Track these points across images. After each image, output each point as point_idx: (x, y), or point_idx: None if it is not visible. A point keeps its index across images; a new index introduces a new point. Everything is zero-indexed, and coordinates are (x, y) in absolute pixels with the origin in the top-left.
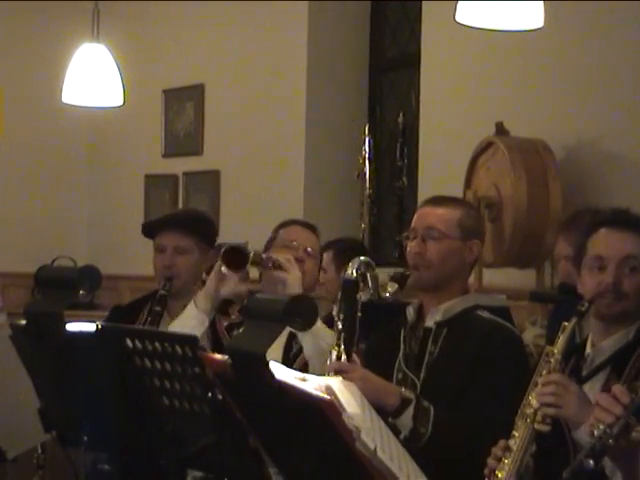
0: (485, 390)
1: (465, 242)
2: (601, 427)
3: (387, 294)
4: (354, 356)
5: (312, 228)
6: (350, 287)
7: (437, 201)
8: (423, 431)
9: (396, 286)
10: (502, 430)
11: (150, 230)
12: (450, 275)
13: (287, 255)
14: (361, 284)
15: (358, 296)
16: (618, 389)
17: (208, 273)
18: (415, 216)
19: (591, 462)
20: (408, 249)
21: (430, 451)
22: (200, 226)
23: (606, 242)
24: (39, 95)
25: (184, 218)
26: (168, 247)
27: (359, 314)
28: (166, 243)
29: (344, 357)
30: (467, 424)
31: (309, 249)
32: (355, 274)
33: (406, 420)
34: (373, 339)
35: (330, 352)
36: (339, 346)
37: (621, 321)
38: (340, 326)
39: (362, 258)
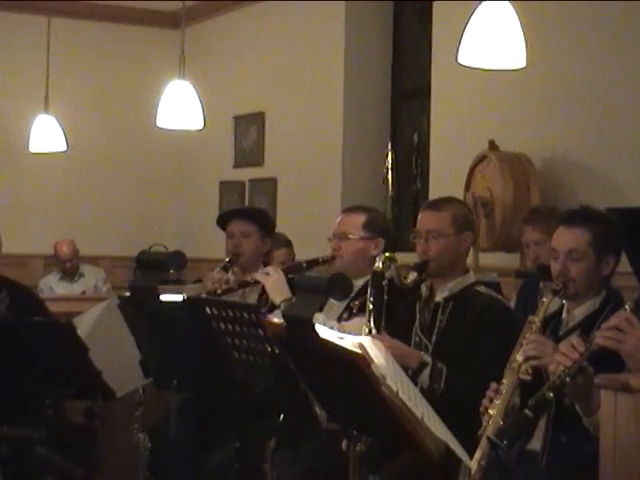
0: (484, 350)
1: (459, 236)
2: (560, 368)
3: (408, 280)
4: (383, 330)
5: (350, 210)
6: (378, 277)
7: (433, 205)
8: (437, 387)
9: (415, 274)
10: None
11: (222, 221)
12: (450, 263)
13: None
14: (386, 274)
15: (384, 284)
16: (576, 340)
17: (265, 260)
18: (418, 219)
19: (551, 394)
20: (417, 247)
21: (443, 402)
22: (260, 217)
23: (558, 238)
24: (138, 120)
25: (247, 210)
26: (236, 232)
27: (385, 297)
28: (234, 229)
29: (374, 331)
30: (470, 380)
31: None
32: (382, 267)
33: (424, 378)
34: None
35: (363, 327)
36: (370, 322)
37: (583, 294)
38: (370, 307)
39: (387, 254)
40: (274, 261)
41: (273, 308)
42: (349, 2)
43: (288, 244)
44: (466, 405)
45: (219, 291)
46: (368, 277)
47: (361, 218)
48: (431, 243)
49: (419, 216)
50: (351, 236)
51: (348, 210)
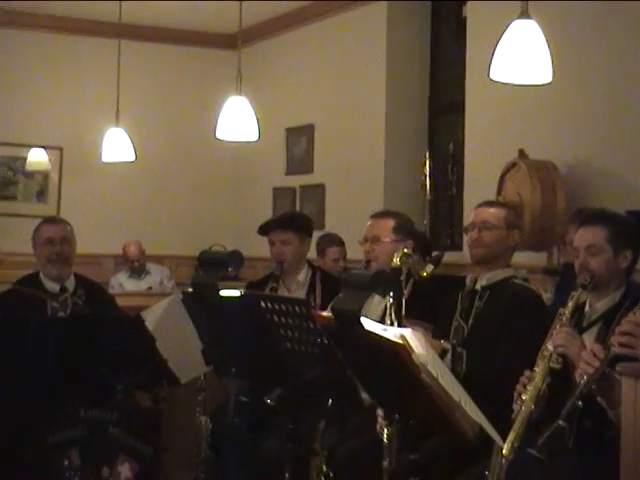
0: (513, 333)
1: (508, 232)
2: (585, 377)
3: (425, 273)
4: (404, 321)
5: (380, 215)
6: (396, 272)
7: (489, 203)
8: (459, 370)
9: (432, 267)
10: (525, 364)
11: (263, 231)
12: (497, 254)
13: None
14: (403, 269)
15: (402, 278)
16: (596, 347)
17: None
18: (473, 214)
19: (580, 403)
20: (468, 237)
21: (465, 383)
22: (295, 222)
23: (578, 237)
24: (199, 132)
25: (282, 219)
26: (276, 241)
27: (404, 291)
28: (274, 239)
29: (395, 323)
30: (493, 361)
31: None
32: (399, 262)
33: (446, 363)
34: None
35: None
36: (390, 315)
37: (605, 288)
38: (390, 300)
39: (405, 250)
40: (327, 257)
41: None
42: (390, 25)
43: (341, 243)
44: (489, 385)
45: None
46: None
47: (391, 222)
48: (484, 233)
49: (474, 212)
50: (383, 239)
51: (377, 215)
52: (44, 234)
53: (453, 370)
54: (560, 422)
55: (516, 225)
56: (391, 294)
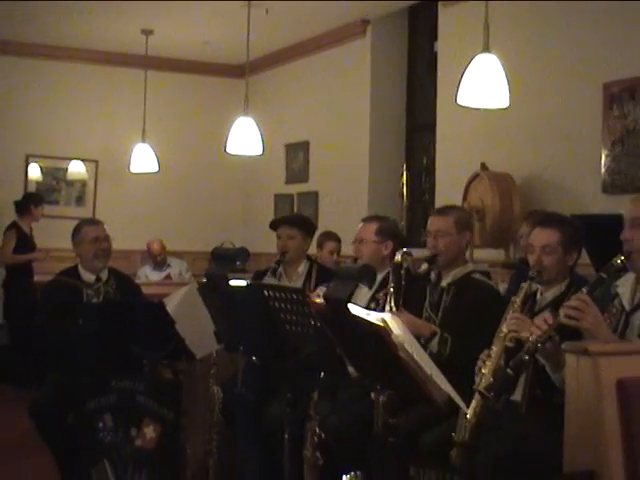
0: (477, 324)
1: (460, 235)
2: (534, 336)
3: (420, 270)
4: (401, 308)
5: (366, 220)
6: (397, 267)
7: (440, 211)
8: (444, 352)
9: (426, 264)
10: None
11: (273, 226)
12: (453, 256)
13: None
14: (404, 265)
15: (402, 273)
16: (547, 314)
17: (319, 246)
18: (429, 222)
19: (527, 357)
20: (427, 243)
21: (448, 364)
22: (301, 222)
23: (534, 236)
24: (213, 148)
25: (291, 218)
26: (283, 235)
27: (403, 283)
28: (281, 233)
29: (394, 309)
30: (468, 347)
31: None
32: (400, 259)
33: (433, 345)
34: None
35: (384, 307)
36: (391, 302)
37: (553, 280)
38: (392, 290)
39: (405, 250)
40: (324, 250)
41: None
42: (374, 58)
43: (337, 239)
44: (466, 366)
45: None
46: (385, 272)
47: (374, 226)
48: (439, 240)
49: (429, 220)
50: (366, 241)
51: (365, 219)
52: (90, 234)
53: (439, 352)
54: (508, 370)
55: (467, 227)
56: (392, 285)
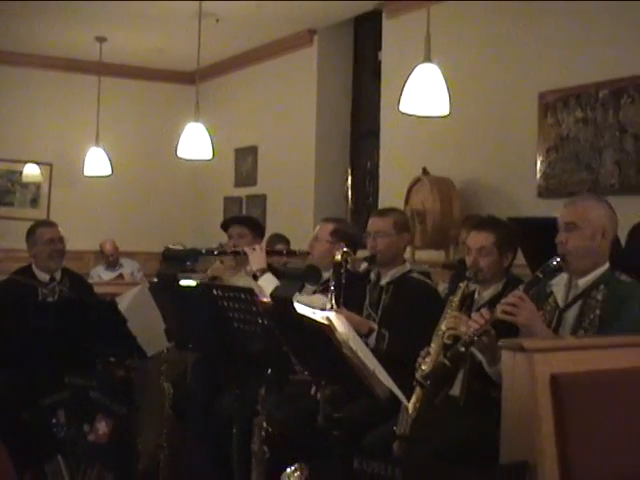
0: (416, 321)
1: (398, 236)
2: (471, 330)
3: (361, 268)
4: (341, 305)
5: (325, 220)
6: (337, 267)
7: (379, 213)
8: (381, 347)
9: (366, 264)
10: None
11: (224, 225)
12: (392, 256)
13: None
14: (344, 263)
15: (342, 271)
16: (483, 310)
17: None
18: (368, 223)
19: (463, 349)
20: (367, 244)
21: (385, 359)
22: (251, 223)
23: (471, 238)
24: (164, 152)
25: (242, 218)
26: (234, 234)
27: (343, 281)
28: (232, 232)
29: (335, 306)
30: (406, 343)
31: (318, 236)
32: (340, 258)
33: (371, 341)
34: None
35: (325, 304)
36: (331, 300)
37: (489, 280)
38: (332, 288)
39: (345, 249)
40: None
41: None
42: (320, 66)
43: (286, 241)
44: (404, 361)
45: (215, 252)
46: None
47: (330, 227)
48: (378, 240)
49: (369, 221)
50: (321, 240)
51: (325, 219)
52: (45, 235)
53: (376, 347)
54: (445, 361)
55: (405, 228)
56: (332, 283)
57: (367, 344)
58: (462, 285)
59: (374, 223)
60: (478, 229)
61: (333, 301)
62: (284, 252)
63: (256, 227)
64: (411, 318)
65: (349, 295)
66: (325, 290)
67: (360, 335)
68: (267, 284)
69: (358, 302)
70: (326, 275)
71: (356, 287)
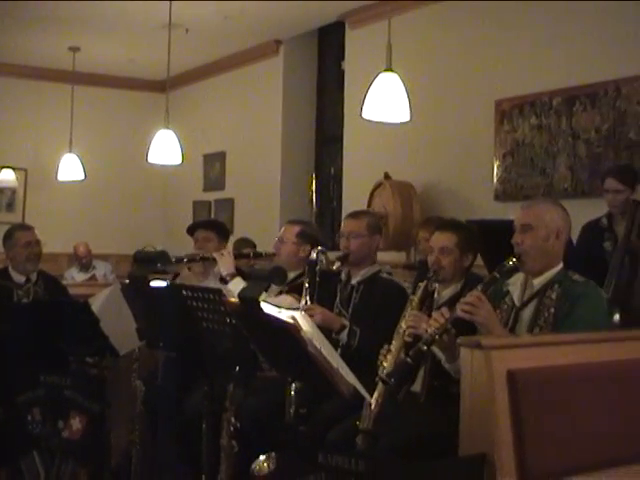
0: (386, 319)
1: (371, 237)
2: (432, 329)
3: (334, 267)
4: (315, 302)
5: (291, 222)
6: (312, 265)
7: (354, 215)
8: (353, 343)
9: (339, 263)
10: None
11: (190, 230)
12: (364, 256)
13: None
14: (319, 262)
15: (317, 270)
16: (443, 309)
17: (235, 251)
18: (342, 224)
19: (425, 347)
20: (341, 244)
21: (356, 354)
22: (216, 226)
23: (433, 239)
24: (135, 158)
25: (207, 222)
26: (200, 238)
27: (317, 279)
28: (198, 236)
29: (309, 303)
30: (376, 339)
31: (284, 238)
32: (315, 257)
33: (343, 336)
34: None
35: (300, 301)
36: (306, 297)
37: (450, 280)
38: (307, 286)
39: (320, 248)
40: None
41: (222, 280)
42: (286, 75)
43: (253, 245)
44: (373, 357)
45: (185, 260)
46: (298, 271)
47: (297, 229)
48: (351, 241)
49: (343, 222)
50: (287, 241)
51: (290, 221)
52: (23, 238)
53: (348, 343)
54: (407, 359)
55: (378, 229)
56: (307, 281)
57: (339, 340)
58: (422, 284)
59: (348, 224)
60: (441, 230)
61: (307, 298)
62: (251, 255)
63: (221, 231)
64: (381, 316)
65: (320, 293)
66: (291, 290)
67: (333, 331)
68: (237, 288)
69: (329, 300)
70: (291, 275)
71: (328, 285)
